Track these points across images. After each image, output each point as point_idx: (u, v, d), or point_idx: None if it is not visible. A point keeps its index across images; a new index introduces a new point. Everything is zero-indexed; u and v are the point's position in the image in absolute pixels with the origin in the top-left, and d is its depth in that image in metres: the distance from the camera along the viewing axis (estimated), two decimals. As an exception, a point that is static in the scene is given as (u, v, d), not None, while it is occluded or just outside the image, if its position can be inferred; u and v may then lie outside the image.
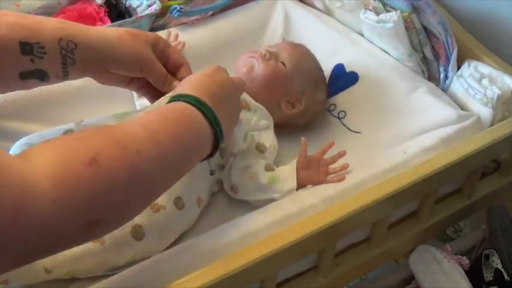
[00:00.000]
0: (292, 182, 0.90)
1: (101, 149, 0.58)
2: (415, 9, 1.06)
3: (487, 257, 0.99)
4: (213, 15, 1.22)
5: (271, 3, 1.27)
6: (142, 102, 1.04)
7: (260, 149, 0.97)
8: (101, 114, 0.93)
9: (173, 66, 0.92)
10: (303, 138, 0.92)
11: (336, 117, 1.11)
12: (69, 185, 0.55)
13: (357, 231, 0.91)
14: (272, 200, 0.89)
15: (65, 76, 0.83)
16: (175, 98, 0.73)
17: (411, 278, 0.98)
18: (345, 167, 0.91)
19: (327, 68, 1.13)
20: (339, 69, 1.14)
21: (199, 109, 0.71)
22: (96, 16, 1.24)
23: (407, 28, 1.06)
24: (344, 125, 1.09)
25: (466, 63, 1.06)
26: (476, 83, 1.02)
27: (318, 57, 1.10)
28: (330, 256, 0.88)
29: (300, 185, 0.90)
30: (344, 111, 1.10)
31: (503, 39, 1.11)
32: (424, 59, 1.10)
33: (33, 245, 0.54)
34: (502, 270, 0.97)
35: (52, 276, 0.76)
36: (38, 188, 0.53)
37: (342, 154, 0.92)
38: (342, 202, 0.83)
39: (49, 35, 0.78)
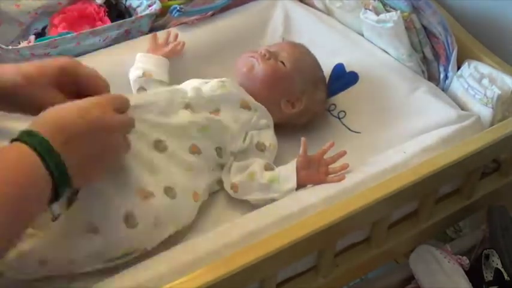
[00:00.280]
0: (292, 182, 0.90)
1: None
2: (415, 9, 1.06)
3: (487, 257, 0.99)
4: (213, 15, 1.22)
5: (271, 3, 1.28)
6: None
7: (260, 148, 0.97)
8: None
9: (92, 92, 0.82)
10: (302, 138, 0.92)
11: (336, 117, 1.11)
12: None
13: (357, 231, 0.91)
14: (272, 200, 0.89)
15: None
16: (21, 136, 0.66)
17: (411, 278, 0.98)
18: (344, 166, 0.91)
19: (327, 68, 1.13)
20: (339, 69, 1.14)
21: (40, 154, 0.64)
22: (96, 16, 1.24)
23: (407, 28, 1.06)
24: (344, 125, 1.09)
25: (466, 63, 1.06)
26: (476, 83, 1.02)
27: (318, 57, 1.11)
28: (330, 256, 0.88)
29: (300, 185, 0.90)
30: (344, 111, 1.10)
31: (503, 39, 1.11)
32: (424, 59, 1.10)
33: None
34: (502, 270, 0.97)
35: (49, 267, 0.75)
36: None
37: (341, 154, 0.92)
38: (342, 202, 0.83)
39: None
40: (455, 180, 1.02)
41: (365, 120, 1.07)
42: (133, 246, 0.79)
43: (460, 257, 0.98)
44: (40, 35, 1.21)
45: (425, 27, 1.07)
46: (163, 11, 1.22)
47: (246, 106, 1.00)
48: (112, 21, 1.21)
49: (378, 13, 1.09)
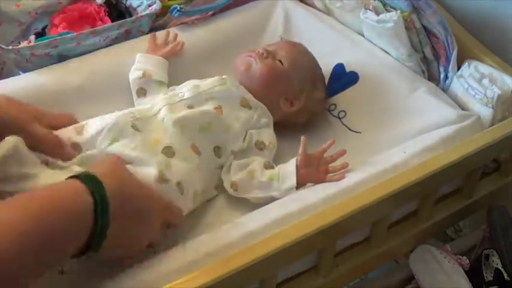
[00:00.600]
0: (292, 180, 0.90)
1: None
2: (415, 9, 1.06)
3: (487, 257, 0.99)
4: (213, 15, 1.22)
5: (271, 3, 1.28)
6: (141, 101, 1.05)
7: (259, 146, 0.98)
8: (100, 114, 0.93)
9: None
10: (302, 137, 0.92)
11: (336, 117, 1.11)
12: None
13: (357, 231, 0.91)
14: (272, 198, 0.89)
15: None
16: (84, 177, 0.67)
17: (411, 278, 0.98)
18: (344, 165, 0.91)
19: (327, 68, 1.13)
20: (339, 69, 1.14)
21: (94, 199, 0.65)
22: (96, 16, 1.23)
23: (407, 28, 1.06)
24: (344, 125, 1.09)
25: (466, 63, 1.06)
26: (476, 83, 1.02)
27: (318, 57, 1.11)
28: (330, 256, 0.88)
29: (300, 184, 0.91)
30: (344, 111, 1.10)
31: (503, 39, 1.11)
32: (424, 59, 1.10)
33: None
34: (502, 270, 0.97)
35: None
36: None
37: (341, 153, 0.92)
38: (342, 202, 0.83)
39: None
40: (455, 180, 1.01)
41: (365, 120, 1.07)
42: None
43: (460, 257, 0.98)
44: (40, 35, 1.21)
45: (425, 27, 1.07)
46: (164, 11, 1.22)
47: (246, 105, 1.00)
48: (112, 21, 1.21)
49: (378, 13, 1.09)
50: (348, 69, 1.13)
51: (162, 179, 0.83)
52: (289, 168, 0.92)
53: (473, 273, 0.97)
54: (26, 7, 1.22)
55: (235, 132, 0.97)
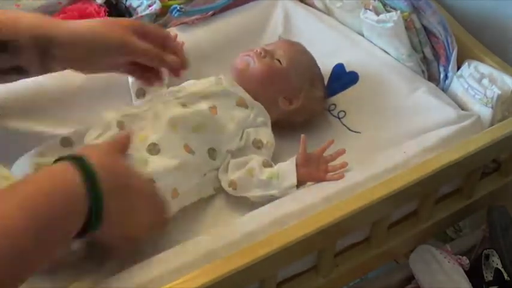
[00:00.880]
0: (293, 179, 0.90)
1: None
2: (415, 9, 1.06)
3: (487, 257, 0.99)
4: (213, 15, 1.22)
5: (271, 3, 1.27)
6: (141, 101, 1.05)
7: (257, 145, 0.97)
8: (100, 113, 0.93)
9: (157, 42, 0.90)
10: (302, 136, 0.92)
11: (336, 117, 1.11)
12: None
13: (357, 231, 0.91)
14: (272, 197, 0.89)
15: (45, 71, 0.83)
16: (74, 159, 0.66)
17: (411, 278, 0.98)
18: (344, 165, 0.91)
19: (327, 68, 1.13)
20: (339, 69, 1.14)
21: (86, 183, 0.64)
22: (96, 16, 1.23)
23: (407, 28, 1.06)
24: (344, 124, 1.09)
25: (466, 63, 1.06)
26: (476, 83, 1.02)
27: (318, 57, 1.10)
28: (330, 256, 0.88)
29: (300, 182, 0.90)
30: (344, 111, 1.10)
31: (503, 39, 1.11)
32: (424, 59, 1.10)
33: None
34: (502, 270, 0.97)
35: None
36: None
37: (341, 152, 0.92)
38: (342, 202, 0.83)
39: (24, 32, 0.77)
40: (455, 180, 1.01)
41: (365, 120, 1.07)
42: None
43: (460, 257, 0.98)
44: (40, 34, 1.21)
45: (425, 27, 1.07)
46: (164, 11, 1.22)
47: (242, 104, 1.00)
48: (112, 21, 1.21)
49: (378, 13, 1.09)
50: (347, 69, 1.13)
51: None
52: (288, 167, 0.92)
53: (473, 273, 0.97)
54: (26, 7, 1.22)
55: (230, 133, 0.97)
